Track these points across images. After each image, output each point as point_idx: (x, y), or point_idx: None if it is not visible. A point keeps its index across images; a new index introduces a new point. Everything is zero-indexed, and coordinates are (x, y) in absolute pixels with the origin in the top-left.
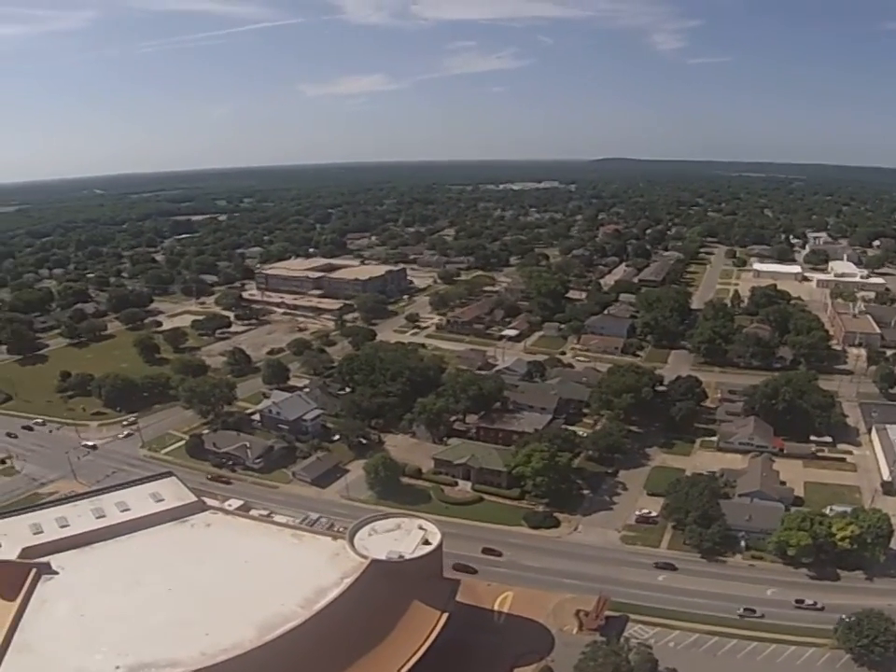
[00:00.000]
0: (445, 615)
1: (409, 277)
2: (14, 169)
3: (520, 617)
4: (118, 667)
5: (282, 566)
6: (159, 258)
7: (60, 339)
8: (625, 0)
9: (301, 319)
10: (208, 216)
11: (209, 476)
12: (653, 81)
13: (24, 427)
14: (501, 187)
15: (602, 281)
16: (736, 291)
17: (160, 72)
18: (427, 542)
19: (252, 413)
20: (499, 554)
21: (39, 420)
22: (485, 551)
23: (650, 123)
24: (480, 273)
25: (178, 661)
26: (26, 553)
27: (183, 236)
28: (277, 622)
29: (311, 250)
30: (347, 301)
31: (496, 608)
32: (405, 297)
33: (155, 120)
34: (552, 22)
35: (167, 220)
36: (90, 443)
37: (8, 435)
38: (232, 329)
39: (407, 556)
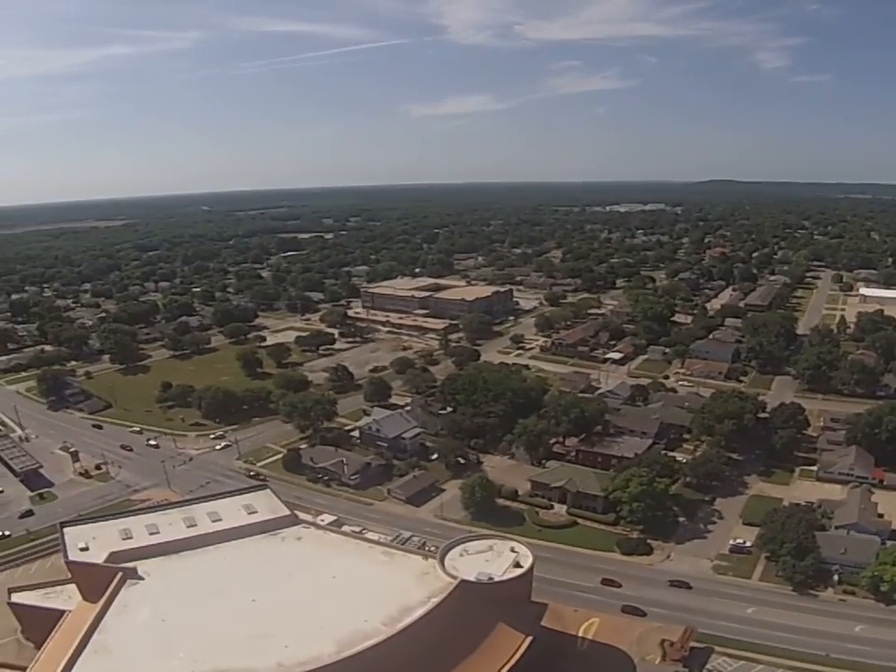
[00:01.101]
0: (529, 639)
1: (515, 298)
2: (121, 185)
3: (604, 644)
4: None
5: (369, 583)
6: (265, 274)
7: (163, 350)
8: (728, 18)
9: (405, 338)
10: (315, 234)
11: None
12: (757, 100)
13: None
14: (608, 209)
15: (708, 305)
16: (842, 317)
17: (266, 91)
18: (518, 565)
19: (351, 430)
20: (619, 585)
21: (137, 429)
22: (605, 581)
23: (754, 144)
24: (586, 295)
25: (254, 671)
26: (113, 557)
27: (289, 253)
28: (358, 638)
29: (417, 270)
30: (452, 321)
31: (580, 634)
32: (511, 318)
33: (261, 139)
34: (655, 42)
35: (274, 237)
36: (153, 442)
37: (123, 448)
38: (336, 346)
39: (496, 578)
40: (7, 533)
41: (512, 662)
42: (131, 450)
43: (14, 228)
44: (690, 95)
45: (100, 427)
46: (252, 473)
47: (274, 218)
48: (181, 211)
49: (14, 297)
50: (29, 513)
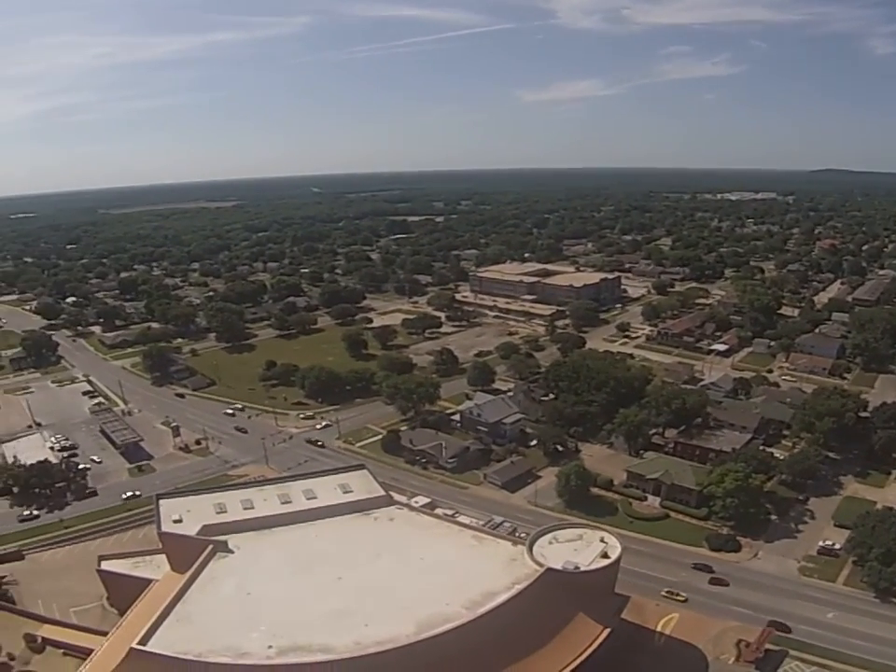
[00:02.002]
0: (607, 631)
1: (623, 286)
2: (231, 167)
3: (680, 641)
4: (270, 647)
5: (456, 566)
6: (374, 256)
7: (269, 330)
8: (837, 3)
9: (511, 323)
10: (425, 217)
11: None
12: (870, 88)
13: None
14: (719, 196)
15: (816, 298)
16: None
17: (374, 76)
18: (605, 556)
19: (453, 414)
20: (726, 584)
21: (239, 406)
22: (713, 581)
23: (866, 132)
24: (694, 284)
25: (331, 647)
26: (205, 530)
27: (399, 236)
28: (438, 621)
29: (527, 255)
30: (560, 308)
31: (658, 629)
32: (618, 306)
33: (370, 123)
34: (764, 27)
35: (384, 220)
36: (229, 411)
37: (238, 430)
38: (443, 329)
39: (583, 568)
40: (137, 493)
41: (588, 653)
42: (245, 432)
43: (124, 208)
44: (800, 82)
45: (181, 397)
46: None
47: (385, 201)
48: (291, 193)
49: (123, 275)
50: (134, 496)
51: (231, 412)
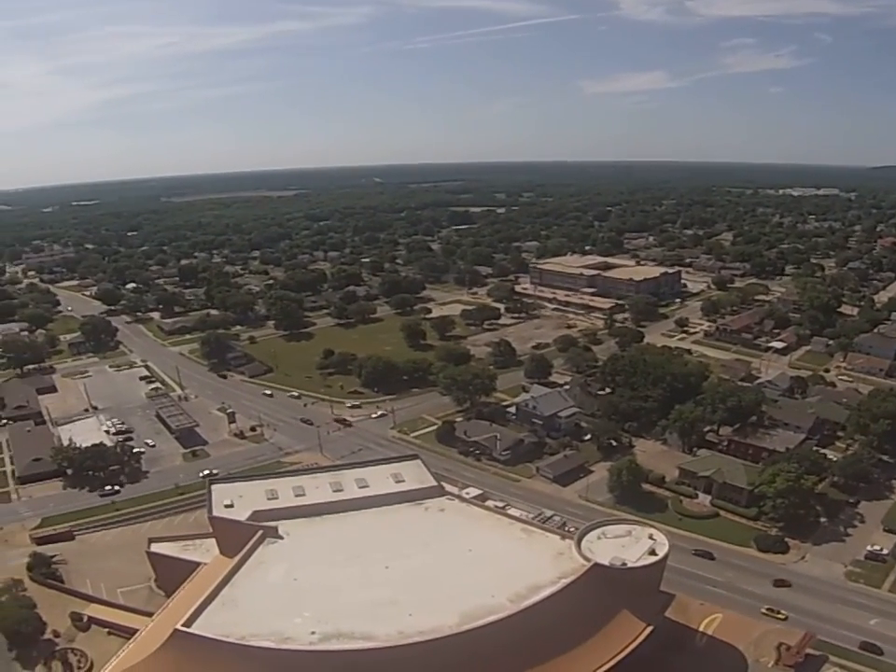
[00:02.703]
0: (649, 629)
1: (683, 280)
2: (294, 156)
3: (721, 642)
4: (313, 633)
5: (503, 558)
6: (435, 246)
7: (328, 319)
8: None
9: (570, 316)
10: (487, 208)
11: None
12: None
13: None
14: (780, 192)
15: (876, 297)
16: None
17: (437, 67)
18: (653, 553)
19: (508, 406)
20: (789, 585)
21: (295, 394)
22: (777, 582)
23: None
24: (754, 280)
25: (374, 636)
26: (256, 515)
27: (460, 227)
28: (482, 612)
29: (587, 247)
30: (619, 301)
31: (700, 628)
32: (677, 300)
33: (432, 114)
34: (829, 19)
35: (445, 210)
36: (267, 392)
37: (303, 421)
38: (501, 321)
39: (630, 564)
40: (215, 472)
41: (628, 650)
42: (311, 423)
43: (187, 196)
44: (864, 76)
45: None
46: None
47: (447, 192)
48: (353, 183)
49: (183, 262)
50: (212, 475)
51: (269, 392)
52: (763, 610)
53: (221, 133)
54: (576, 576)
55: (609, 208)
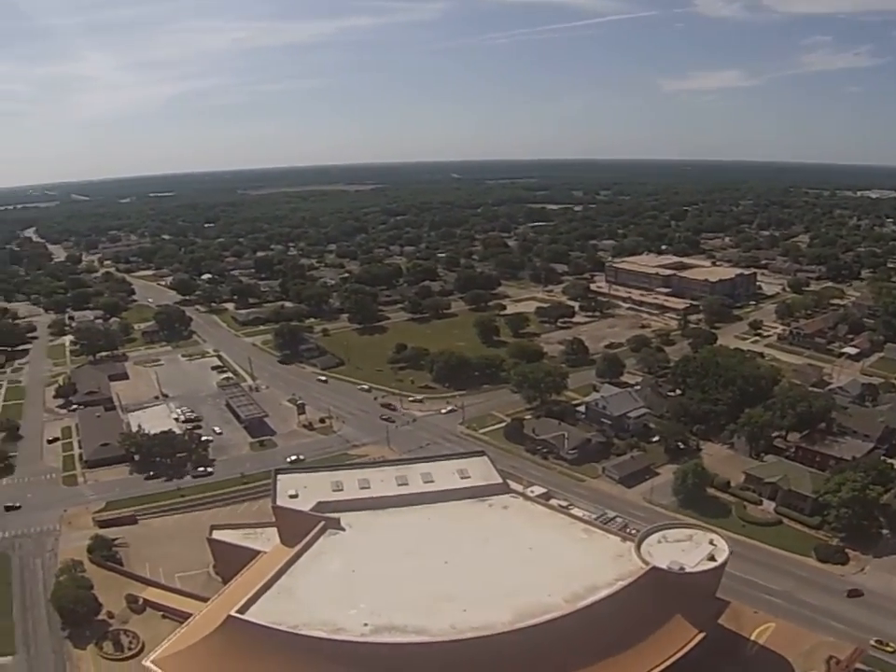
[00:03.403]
0: (701, 635)
1: (758, 282)
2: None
3: (771, 652)
4: (365, 625)
5: (563, 558)
6: (511, 243)
7: (402, 313)
8: None
9: (644, 316)
10: (564, 205)
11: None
12: None
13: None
14: (858, 194)
15: None
16: None
17: (512, 64)
18: (712, 558)
19: (578, 405)
20: (861, 595)
21: (365, 387)
22: (851, 593)
23: None
24: (829, 284)
25: (426, 630)
26: (320, 506)
27: (537, 224)
28: (536, 611)
29: (663, 247)
30: (693, 302)
31: (752, 637)
32: (752, 302)
33: (509, 111)
34: None
35: (522, 207)
36: (322, 378)
37: (383, 419)
38: (575, 319)
39: (688, 569)
40: (300, 457)
41: (679, 655)
42: (392, 421)
43: (263, 189)
44: None
45: (326, 382)
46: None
47: (524, 188)
48: (430, 178)
49: (259, 254)
50: (298, 460)
51: (323, 378)
52: (873, 642)
53: (296, 127)
54: (633, 578)
55: (686, 208)
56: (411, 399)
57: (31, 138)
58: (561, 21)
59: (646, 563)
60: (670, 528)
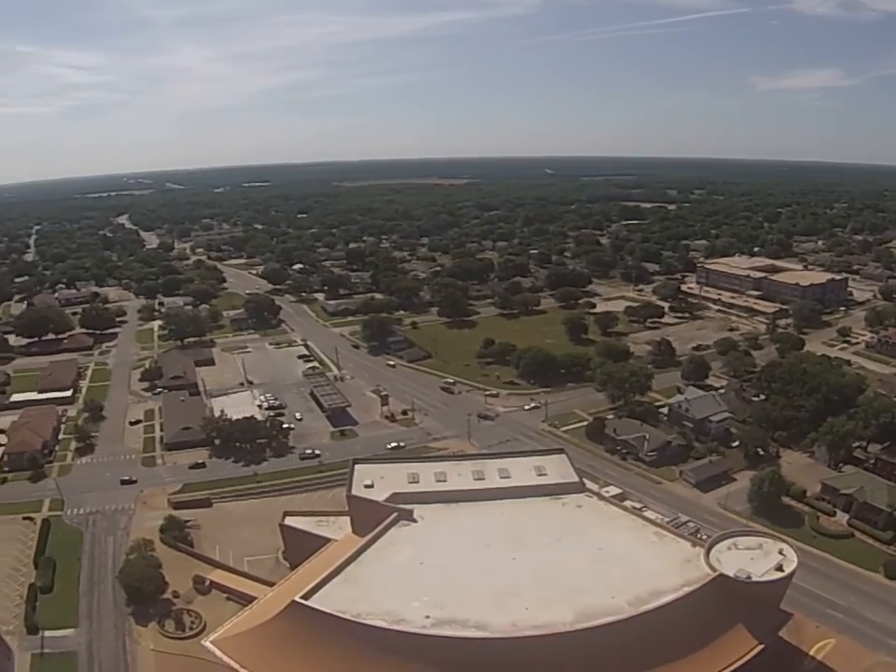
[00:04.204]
0: (760, 647)
1: (849, 288)
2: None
3: (830, 669)
4: (427, 617)
5: (631, 560)
6: (603, 241)
7: (491, 308)
8: None
9: (733, 318)
10: (657, 204)
11: None
12: None
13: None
14: None
15: None
16: None
17: (607, 60)
18: (780, 569)
19: (661, 406)
20: None
21: (450, 380)
22: None
23: None
24: None
25: (486, 625)
26: (394, 497)
27: (630, 222)
28: (599, 612)
29: (756, 249)
30: (783, 306)
31: (811, 652)
32: (842, 308)
33: (602, 108)
34: None
35: (616, 205)
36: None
37: (481, 417)
38: (664, 319)
39: (754, 578)
40: (400, 444)
41: (735, 666)
42: (490, 419)
43: (358, 181)
44: None
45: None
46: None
47: (618, 186)
48: (525, 173)
49: (351, 246)
50: (399, 447)
51: (392, 363)
52: None
53: (390, 120)
54: (698, 585)
55: (780, 209)
56: (486, 393)
57: (127, 127)
58: (653, 17)
59: (713, 569)
60: (741, 536)
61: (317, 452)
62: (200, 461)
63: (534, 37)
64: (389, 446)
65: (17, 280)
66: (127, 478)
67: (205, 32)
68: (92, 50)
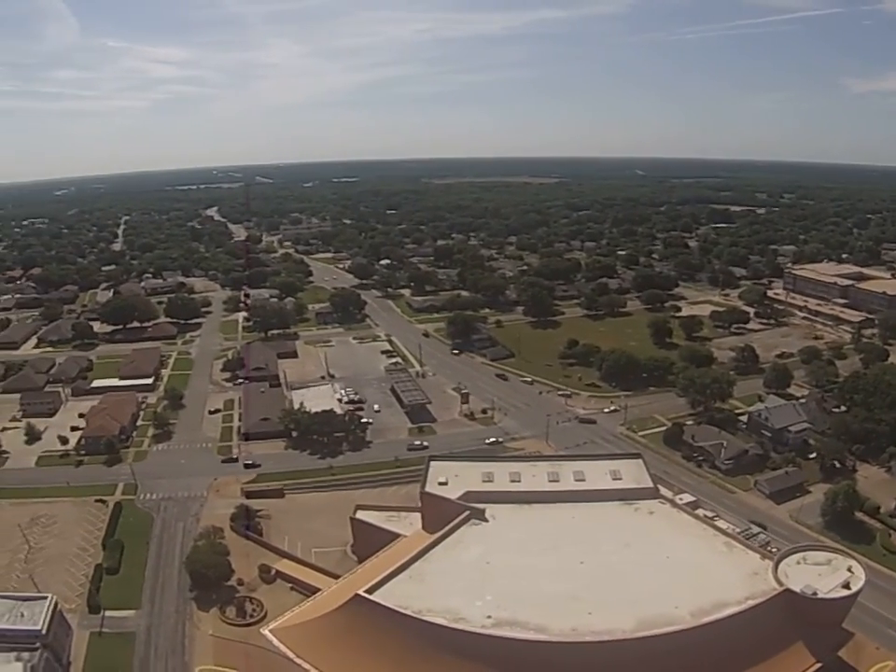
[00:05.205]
0: (818, 665)
1: None
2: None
3: None
4: (488, 617)
5: (698, 570)
6: (692, 244)
7: (577, 308)
8: None
9: (818, 326)
10: (746, 207)
11: None
12: None
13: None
14: None
15: None
16: None
17: (699, 58)
18: (846, 586)
19: (741, 414)
20: None
21: (528, 380)
22: None
23: None
24: None
25: (546, 629)
26: (467, 496)
27: (719, 225)
28: (660, 621)
29: (844, 255)
30: (869, 315)
31: None
32: None
33: (693, 107)
34: None
35: (705, 207)
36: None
37: (583, 421)
38: (749, 325)
39: (820, 595)
40: (498, 439)
41: None
42: (592, 422)
43: (447, 178)
44: None
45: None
46: None
47: (708, 188)
48: (615, 174)
49: (439, 242)
50: (497, 442)
51: (456, 351)
52: None
53: (480, 117)
54: (763, 599)
55: (870, 215)
56: (560, 393)
57: (218, 122)
58: (748, 16)
59: (780, 584)
60: (810, 550)
61: (426, 444)
62: (255, 462)
63: (626, 36)
64: (488, 441)
65: (104, 269)
66: (250, 462)
67: (295, 28)
68: (181, 46)
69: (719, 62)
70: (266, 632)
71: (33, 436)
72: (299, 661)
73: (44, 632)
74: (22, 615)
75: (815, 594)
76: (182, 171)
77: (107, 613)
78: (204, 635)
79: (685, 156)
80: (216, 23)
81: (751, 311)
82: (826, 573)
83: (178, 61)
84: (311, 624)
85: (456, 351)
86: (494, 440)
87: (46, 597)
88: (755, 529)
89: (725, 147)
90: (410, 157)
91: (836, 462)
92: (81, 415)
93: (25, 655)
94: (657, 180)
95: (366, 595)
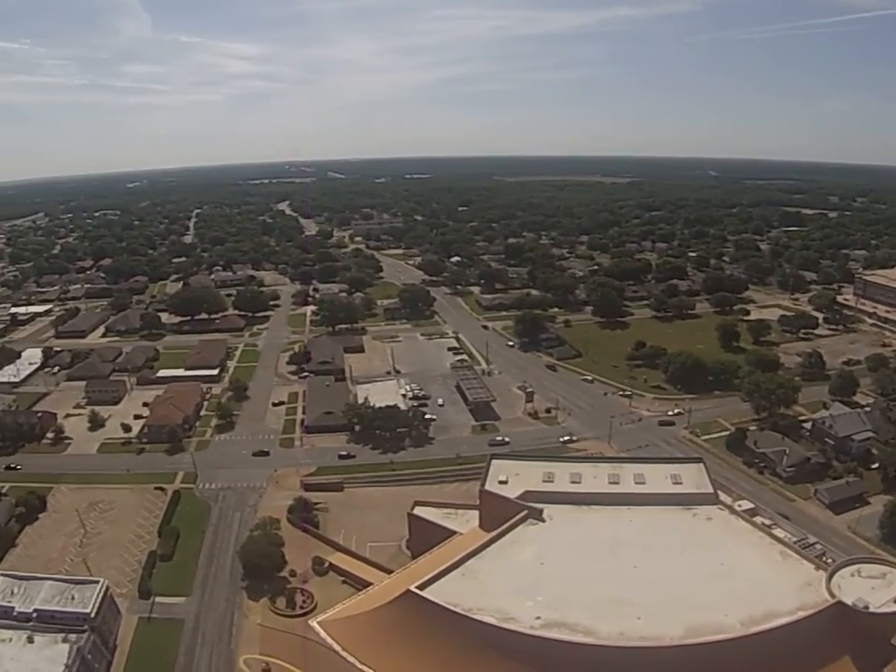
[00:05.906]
0: None
1: None
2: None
3: None
4: (537, 618)
5: (751, 578)
6: (763, 247)
7: (646, 310)
8: None
9: (887, 334)
10: (819, 210)
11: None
12: None
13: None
14: None
15: None
16: None
17: (772, 58)
18: None
19: (805, 421)
20: None
21: (589, 378)
22: None
23: None
24: None
25: (595, 632)
26: (526, 495)
27: (791, 228)
28: (708, 629)
29: None
30: None
31: None
32: None
33: (765, 109)
34: None
35: (777, 210)
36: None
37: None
38: (817, 331)
39: (871, 609)
40: (572, 437)
41: None
42: (672, 424)
43: (519, 176)
44: None
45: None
46: None
47: (780, 190)
48: (688, 174)
49: (510, 241)
50: (571, 440)
51: (511, 343)
52: None
53: (555, 115)
54: (814, 611)
55: None
56: (621, 393)
57: (289, 117)
58: (817, 16)
59: (832, 596)
60: (866, 563)
61: (507, 439)
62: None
63: (698, 35)
64: (562, 439)
65: (174, 260)
66: (263, 450)
67: (369, 25)
68: (254, 41)
69: (792, 61)
70: (314, 624)
71: (96, 423)
72: (345, 654)
73: (93, 615)
74: (73, 598)
75: (866, 607)
76: (254, 165)
77: (157, 599)
78: (252, 624)
79: (757, 157)
80: (288, 20)
81: (820, 316)
82: (880, 587)
83: (252, 56)
84: (360, 618)
85: (516, 346)
86: (568, 437)
87: (97, 581)
88: (812, 539)
89: (798, 150)
90: (482, 154)
91: None
92: (145, 404)
93: (72, 637)
94: (729, 181)
95: (417, 591)
